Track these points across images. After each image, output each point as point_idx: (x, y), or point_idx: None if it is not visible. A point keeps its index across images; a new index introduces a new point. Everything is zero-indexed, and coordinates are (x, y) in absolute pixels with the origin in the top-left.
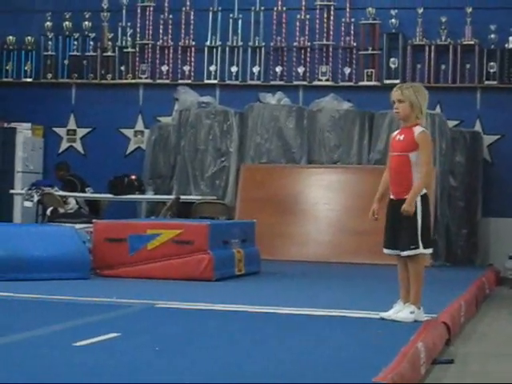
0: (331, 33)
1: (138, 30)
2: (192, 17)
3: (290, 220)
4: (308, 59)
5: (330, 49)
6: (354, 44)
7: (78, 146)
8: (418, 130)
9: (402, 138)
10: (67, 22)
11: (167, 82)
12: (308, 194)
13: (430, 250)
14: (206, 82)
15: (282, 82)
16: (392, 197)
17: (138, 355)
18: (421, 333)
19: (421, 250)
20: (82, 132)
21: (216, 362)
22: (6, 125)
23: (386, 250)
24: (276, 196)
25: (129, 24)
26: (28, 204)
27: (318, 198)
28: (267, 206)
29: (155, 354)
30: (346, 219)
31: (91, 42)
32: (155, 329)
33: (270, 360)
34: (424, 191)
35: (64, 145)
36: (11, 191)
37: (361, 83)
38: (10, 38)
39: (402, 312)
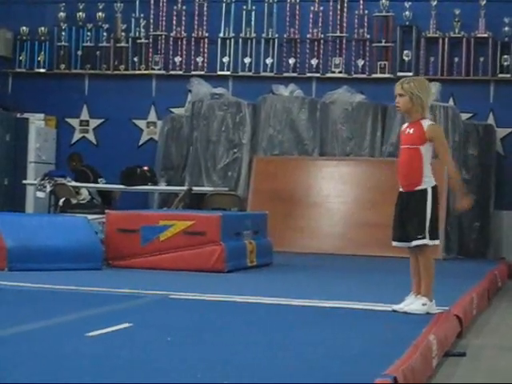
0: (344, 25)
1: (152, 20)
2: (205, 8)
3: (302, 212)
4: (321, 51)
5: (344, 41)
6: (368, 36)
7: (91, 136)
8: (426, 123)
9: (411, 131)
10: (80, 13)
11: (180, 73)
12: (320, 186)
13: (436, 242)
14: (219, 73)
15: (295, 74)
16: (401, 189)
17: (150, 346)
18: (433, 325)
19: (427, 240)
20: (94, 123)
21: (227, 354)
22: (19, 115)
23: (394, 243)
24: (288, 188)
25: (142, 15)
26: (40, 194)
27: (330, 191)
28: (279, 197)
29: (167, 344)
30: (358, 212)
31: (104, 33)
32: (167, 320)
33: (280, 352)
34: (434, 183)
35: (77, 135)
36: (24, 181)
37: (374, 75)
38: (24, 28)
39: (414, 304)
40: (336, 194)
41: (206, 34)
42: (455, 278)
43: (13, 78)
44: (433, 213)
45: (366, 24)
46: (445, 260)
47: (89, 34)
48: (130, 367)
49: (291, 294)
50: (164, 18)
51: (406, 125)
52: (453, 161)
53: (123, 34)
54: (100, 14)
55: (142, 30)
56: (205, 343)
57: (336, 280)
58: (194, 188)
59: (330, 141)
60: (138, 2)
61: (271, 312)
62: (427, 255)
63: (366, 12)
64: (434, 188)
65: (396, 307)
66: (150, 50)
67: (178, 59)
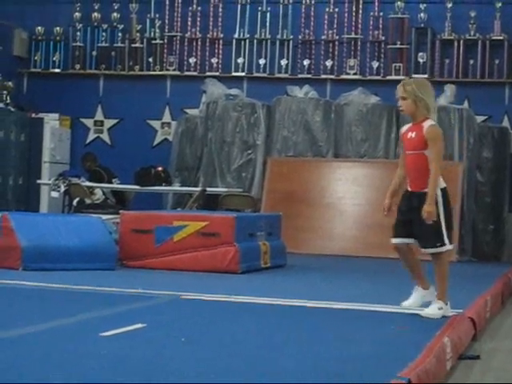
0: (359, 26)
1: (167, 21)
2: (220, 9)
3: (316, 214)
4: (336, 53)
5: (359, 42)
6: (383, 38)
7: (106, 136)
8: (427, 124)
9: (413, 135)
10: (96, 13)
11: (195, 74)
12: (334, 187)
13: (452, 246)
14: (234, 74)
15: (309, 75)
16: (410, 189)
17: (164, 346)
18: (447, 328)
19: (447, 246)
20: (109, 123)
21: (240, 355)
22: (33, 115)
23: (395, 240)
24: (302, 189)
25: (157, 15)
26: (55, 194)
27: (344, 192)
28: (293, 199)
29: (181, 345)
30: (372, 213)
31: (119, 34)
32: (181, 320)
33: (293, 354)
34: (443, 185)
35: (91, 136)
36: (38, 181)
37: (389, 77)
38: (39, 28)
39: (429, 308)
40: (350, 195)
41: (221, 35)
42: (469, 281)
43: (28, 77)
44: (446, 216)
45: (381, 26)
46: (459, 262)
47: (104, 34)
48: (145, 367)
49: (305, 295)
50: (179, 19)
51: (406, 127)
52: (439, 170)
53: (138, 34)
54: (115, 14)
55: (157, 30)
56: (219, 344)
57: (349, 282)
58: (208, 189)
59: (345, 142)
60: (153, 3)
61: (284, 313)
62: (443, 259)
63: (381, 14)
64: (444, 190)
65: (405, 304)
66: (165, 50)
67: (192, 60)
